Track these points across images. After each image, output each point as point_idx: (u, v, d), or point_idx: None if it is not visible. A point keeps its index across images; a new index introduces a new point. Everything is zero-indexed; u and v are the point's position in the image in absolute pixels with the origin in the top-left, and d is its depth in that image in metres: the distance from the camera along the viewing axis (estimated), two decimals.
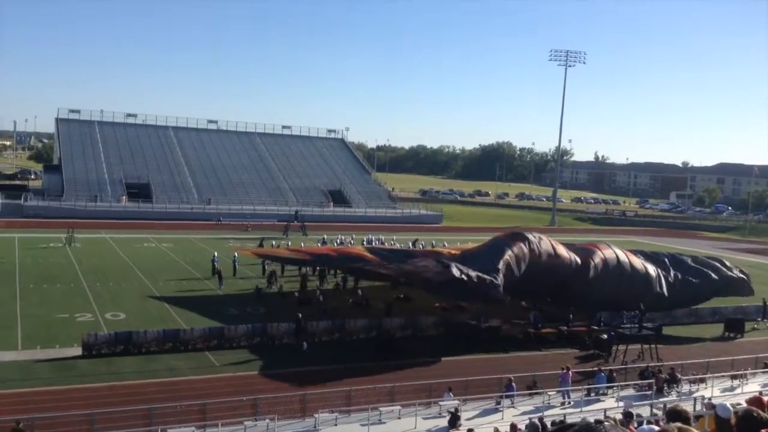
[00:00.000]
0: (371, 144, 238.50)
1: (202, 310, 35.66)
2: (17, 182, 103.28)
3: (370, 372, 27.49)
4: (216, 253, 46.63)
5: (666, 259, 41.05)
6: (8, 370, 25.27)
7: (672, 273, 39.27)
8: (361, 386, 23.42)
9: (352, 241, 57.96)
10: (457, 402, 21.92)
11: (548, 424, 17.28)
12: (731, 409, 5.02)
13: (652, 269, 38.50)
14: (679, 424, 2.52)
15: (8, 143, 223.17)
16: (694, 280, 39.11)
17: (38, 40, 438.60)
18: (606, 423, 1.99)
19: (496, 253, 34.23)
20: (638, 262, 38.69)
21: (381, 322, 33.18)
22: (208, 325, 30.87)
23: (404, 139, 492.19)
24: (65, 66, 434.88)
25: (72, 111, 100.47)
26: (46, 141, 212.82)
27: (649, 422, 17.81)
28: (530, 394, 24.25)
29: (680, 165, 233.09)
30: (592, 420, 2.18)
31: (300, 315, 31.76)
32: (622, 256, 38.49)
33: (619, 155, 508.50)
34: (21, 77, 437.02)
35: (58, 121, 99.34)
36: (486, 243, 38.13)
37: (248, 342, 30.10)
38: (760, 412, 2.66)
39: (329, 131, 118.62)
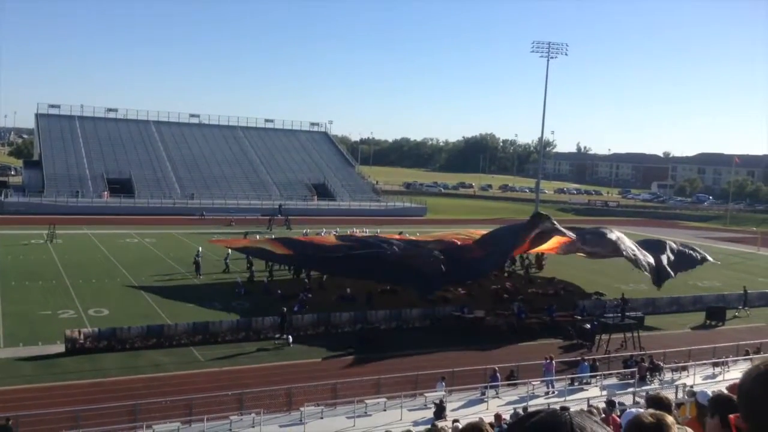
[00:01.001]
0: (355, 137, 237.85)
1: (186, 305, 35.52)
2: None
3: (356, 365, 27.58)
4: (200, 248, 46.36)
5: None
6: None
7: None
8: (347, 379, 23.50)
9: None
10: (442, 393, 22.04)
11: None
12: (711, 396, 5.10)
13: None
14: (651, 411, 2.55)
15: None
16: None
17: (17, 35, 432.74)
18: (572, 410, 2.01)
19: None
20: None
21: (366, 315, 33.24)
22: (193, 321, 30.75)
23: (388, 132, 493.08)
24: (45, 61, 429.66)
25: (52, 106, 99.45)
26: (26, 137, 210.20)
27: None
28: (514, 384, 24.44)
29: (661, 155, 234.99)
30: (557, 408, 2.21)
31: (285, 309, 31.72)
32: None
33: (601, 146, 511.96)
34: None
35: (37, 116, 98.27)
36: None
37: (233, 337, 30.04)
38: (731, 395, 2.71)
39: (312, 125, 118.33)
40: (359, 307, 35.89)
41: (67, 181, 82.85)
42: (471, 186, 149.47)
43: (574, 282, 46.57)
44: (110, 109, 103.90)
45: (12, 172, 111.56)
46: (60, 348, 27.24)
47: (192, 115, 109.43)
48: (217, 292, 38.85)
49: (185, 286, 40.39)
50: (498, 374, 23.87)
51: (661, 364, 26.73)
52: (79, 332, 27.67)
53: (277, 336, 30.32)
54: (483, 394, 22.94)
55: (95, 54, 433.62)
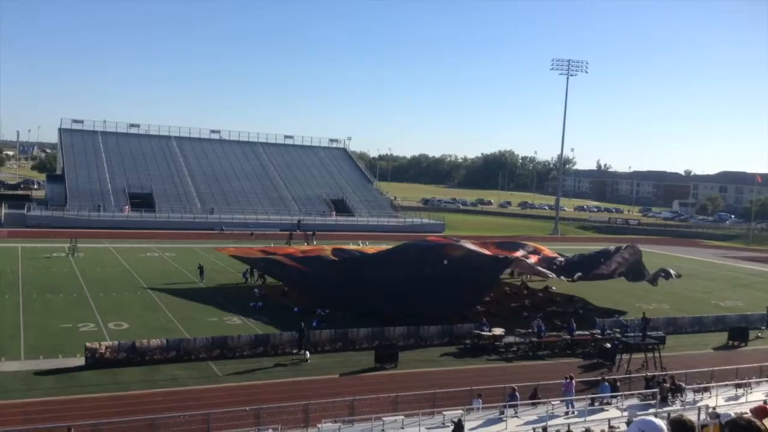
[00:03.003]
0: (373, 153, 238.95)
1: (205, 320, 35.68)
2: (20, 192, 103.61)
3: (374, 381, 27.47)
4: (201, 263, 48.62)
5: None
6: (11, 380, 25.26)
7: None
8: (365, 396, 23.39)
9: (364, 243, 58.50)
10: (460, 412, 21.87)
11: None
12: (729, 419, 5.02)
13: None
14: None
15: (11, 153, 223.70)
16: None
17: (41, 51, 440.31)
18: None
19: None
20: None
21: (384, 331, 33.14)
22: (211, 335, 30.84)
23: (406, 149, 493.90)
24: (68, 76, 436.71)
25: (75, 121, 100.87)
26: (49, 151, 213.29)
27: None
28: (533, 404, 24.19)
29: (683, 173, 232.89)
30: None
31: (303, 324, 31.73)
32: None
33: (621, 164, 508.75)
34: (24, 87, 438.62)
35: (61, 131, 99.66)
36: None
37: (251, 351, 30.07)
38: (754, 421, 2.66)
39: (331, 141, 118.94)
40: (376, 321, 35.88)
41: (89, 196, 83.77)
42: (490, 203, 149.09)
43: (593, 300, 46.16)
44: (132, 125, 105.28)
45: (35, 186, 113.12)
46: (80, 361, 27.42)
47: (213, 131, 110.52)
48: (235, 307, 38.96)
49: (204, 300, 40.53)
50: (517, 393, 23.65)
51: (683, 385, 26.33)
52: (100, 345, 27.85)
53: (295, 351, 30.31)
54: (502, 413, 22.73)
55: (118, 70, 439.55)
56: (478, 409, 22.71)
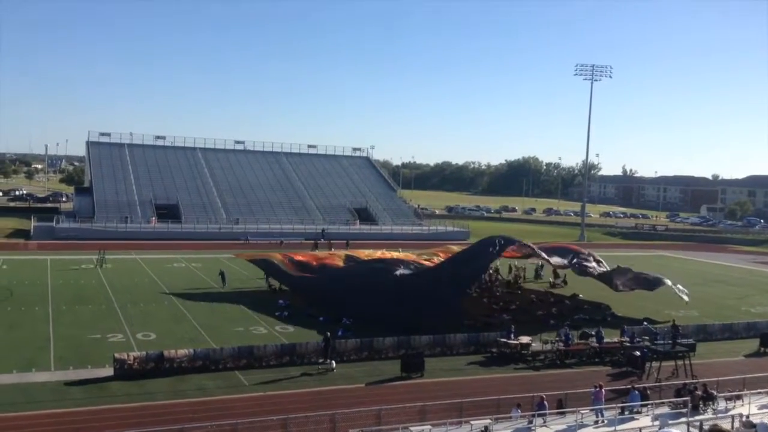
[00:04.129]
0: (396, 161, 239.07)
1: (231, 329, 35.85)
2: (49, 205, 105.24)
3: (400, 391, 27.36)
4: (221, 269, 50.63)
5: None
6: (41, 390, 25.55)
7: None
8: (391, 405, 23.27)
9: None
10: (488, 421, 21.68)
11: None
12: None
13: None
14: None
15: (40, 167, 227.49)
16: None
17: (69, 65, 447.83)
18: None
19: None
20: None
21: (410, 340, 33.02)
22: (238, 344, 30.96)
23: (429, 156, 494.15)
24: (96, 91, 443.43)
25: (102, 134, 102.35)
26: (77, 164, 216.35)
27: None
28: (562, 413, 23.89)
29: (710, 178, 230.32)
30: None
31: (328, 333, 31.73)
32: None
33: (647, 169, 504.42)
34: (52, 101, 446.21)
35: (88, 144, 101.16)
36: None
37: (277, 361, 30.11)
38: None
39: (354, 149, 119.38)
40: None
41: (117, 207, 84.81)
42: (514, 209, 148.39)
43: (621, 308, 45.61)
44: (158, 137, 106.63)
45: (63, 199, 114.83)
46: (109, 371, 27.67)
47: (237, 142, 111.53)
48: (261, 316, 39.12)
49: (230, 310, 40.74)
50: (545, 402, 23.38)
51: (715, 393, 25.86)
52: (128, 356, 28.09)
53: (321, 361, 30.32)
54: (530, 422, 22.48)
55: (144, 83, 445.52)
56: (516, 418, 22.49)
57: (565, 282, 54.20)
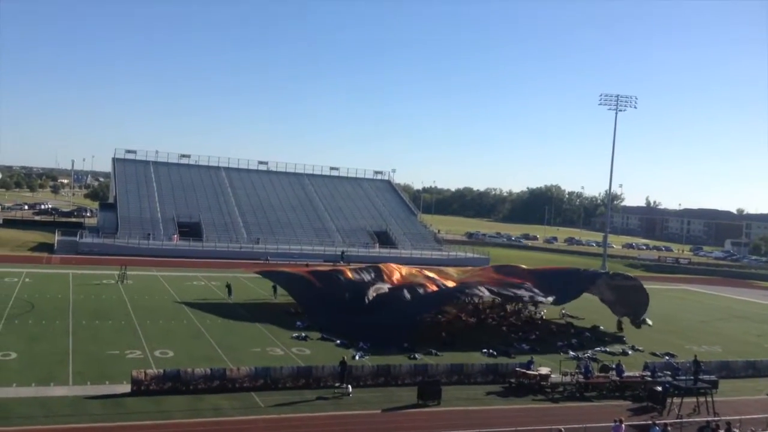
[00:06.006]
0: (417, 185, 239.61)
1: (248, 350, 35.83)
2: (74, 219, 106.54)
3: (416, 418, 27.10)
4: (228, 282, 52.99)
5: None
6: (59, 405, 25.63)
7: None
8: None
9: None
10: None
11: None
12: None
13: None
14: None
15: (66, 181, 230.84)
16: None
17: (98, 83, 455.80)
18: None
19: None
20: None
21: (427, 367, 32.78)
22: (254, 365, 30.91)
23: (450, 181, 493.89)
24: (122, 108, 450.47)
25: (128, 151, 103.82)
26: (102, 180, 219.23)
27: None
28: None
29: (735, 212, 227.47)
30: None
31: (344, 358, 31.56)
32: None
33: (671, 201, 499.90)
34: (80, 118, 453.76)
35: (114, 160, 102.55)
36: None
37: (293, 384, 30.00)
38: None
39: (376, 173, 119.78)
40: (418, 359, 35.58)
41: (140, 224, 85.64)
42: (535, 238, 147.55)
43: (643, 342, 44.97)
44: (183, 155, 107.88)
45: (88, 214, 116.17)
46: (126, 388, 27.72)
47: (261, 162, 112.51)
48: (278, 337, 39.08)
49: (247, 330, 40.76)
50: None
51: (737, 431, 25.35)
52: (145, 373, 28.15)
53: (337, 385, 30.16)
54: None
55: (170, 102, 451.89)
56: None
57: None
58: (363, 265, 54.80)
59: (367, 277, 49.33)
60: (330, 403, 28.52)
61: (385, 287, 47.09)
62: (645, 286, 50.30)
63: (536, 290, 47.30)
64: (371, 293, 45.58)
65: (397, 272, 51.44)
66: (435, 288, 47.23)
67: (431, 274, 52.07)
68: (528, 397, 31.39)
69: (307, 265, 72.72)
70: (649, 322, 50.63)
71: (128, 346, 34.93)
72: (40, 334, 36.12)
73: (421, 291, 45.68)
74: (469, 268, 63.64)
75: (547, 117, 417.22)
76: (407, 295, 44.73)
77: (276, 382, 29.78)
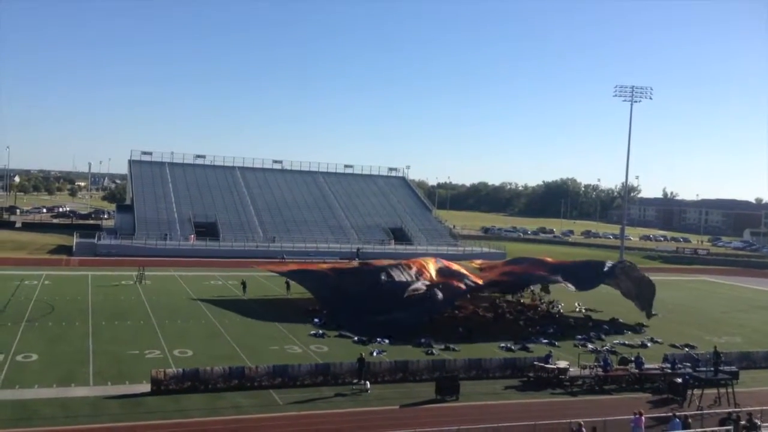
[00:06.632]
0: (432, 181, 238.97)
1: (266, 348, 35.99)
2: (91, 222, 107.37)
3: (435, 413, 27.09)
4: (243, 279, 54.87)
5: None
6: (80, 405, 25.88)
7: None
8: (426, 428, 23.06)
9: None
10: None
11: None
12: None
13: None
14: None
15: (83, 184, 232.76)
16: None
17: (114, 86, 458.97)
18: None
19: None
20: None
21: (444, 362, 32.75)
22: (272, 363, 31.03)
23: (465, 176, 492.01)
24: (138, 111, 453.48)
25: (144, 153, 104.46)
26: (119, 182, 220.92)
27: None
28: None
29: (753, 202, 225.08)
30: None
31: (362, 354, 31.61)
32: None
33: (688, 192, 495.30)
34: (96, 121, 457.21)
35: (131, 162, 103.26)
36: None
37: (312, 381, 30.09)
38: None
39: (390, 169, 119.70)
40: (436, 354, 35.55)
41: (157, 225, 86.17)
42: (552, 231, 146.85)
43: (662, 334, 44.67)
44: (198, 156, 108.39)
45: (105, 216, 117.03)
46: (146, 387, 27.94)
47: (275, 161, 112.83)
48: (295, 335, 39.21)
49: (265, 328, 40.93)
50: (583, 428, 22.93)
51: (759, 423, 25.10)
52: (165, 373, 28.34)
53: (355, 381, 30.21)
54: None
55: (185, 103, 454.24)
56: None
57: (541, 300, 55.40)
58: (401, 262, 53.37)
59: (406, 276, 48.59)
60: (348, 399, 28.58)
61: (422, 286, 46.01)
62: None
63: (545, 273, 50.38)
64: (409, 291, 44.78)
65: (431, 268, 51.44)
66: (463, 286, 46.89)
67: (463, 270, 52.11)
68: (546, 391, 31.27)
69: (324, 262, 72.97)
70: (654, 311, 49.89)
71: (147, 346, 35.19)
72: (60, 336, 36.49)
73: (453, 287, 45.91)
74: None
75: (562, 110, 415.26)
76: (440, 294, 44.19)
77: (294, 379, 29.88)
